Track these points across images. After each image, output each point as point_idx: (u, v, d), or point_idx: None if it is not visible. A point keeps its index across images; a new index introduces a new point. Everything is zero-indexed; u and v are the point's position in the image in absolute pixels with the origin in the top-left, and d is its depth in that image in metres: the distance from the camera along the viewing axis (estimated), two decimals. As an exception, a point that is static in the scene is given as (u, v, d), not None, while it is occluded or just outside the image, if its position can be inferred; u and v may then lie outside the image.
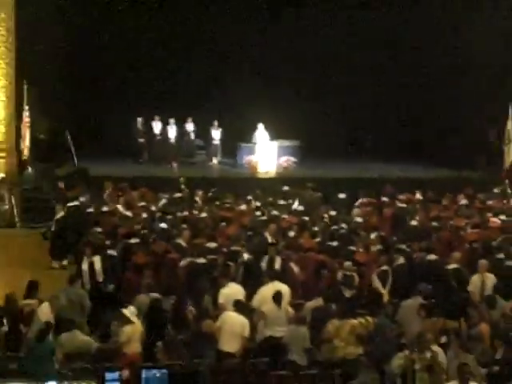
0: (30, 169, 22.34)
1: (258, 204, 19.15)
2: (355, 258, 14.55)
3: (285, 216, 17.98)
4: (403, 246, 15.46)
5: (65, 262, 17.33)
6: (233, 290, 12.60)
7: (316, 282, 13.92)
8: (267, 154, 24.64)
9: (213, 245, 14.81)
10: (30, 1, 21.87)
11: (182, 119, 25.67)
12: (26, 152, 22.21)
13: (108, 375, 9.41)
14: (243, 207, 18.74)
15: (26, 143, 22.18)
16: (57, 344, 10.99)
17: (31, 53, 21.88)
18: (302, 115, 25.21)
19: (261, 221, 17.33)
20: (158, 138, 25.85)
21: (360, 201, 20.01)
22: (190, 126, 25.83)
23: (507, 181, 24.49)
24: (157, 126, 25.84)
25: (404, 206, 19.68)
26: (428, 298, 12.57)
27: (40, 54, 22.32)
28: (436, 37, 25.97)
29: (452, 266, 14.50)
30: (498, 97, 24.38)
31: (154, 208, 18.27)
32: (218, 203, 19.17)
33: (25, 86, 21.97)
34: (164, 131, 25.78)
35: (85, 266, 14.07)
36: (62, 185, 19.50)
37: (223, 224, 16.71)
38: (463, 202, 20.50)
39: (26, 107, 22.11)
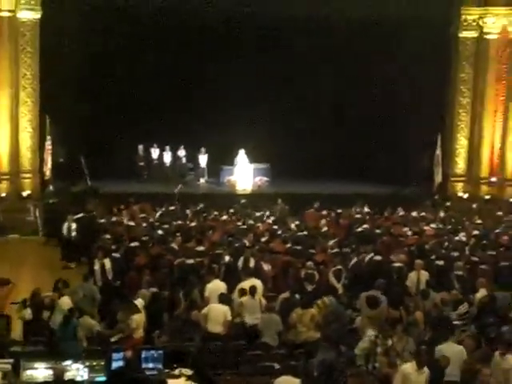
0: (51, 187, 22.20)
1: (238, 215, 19.18)
2: (315, 259, 14.61)
3: (259, 225, 18.03)
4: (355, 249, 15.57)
5: (73, 265, 17.23)
6: (216, 286, 12.59)
7: (284, 278, 13.94)
8: (244, 175, 24.64)
9: (200, 248, 14.80)
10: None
11: (175, 147, 25.75)
12: (47, 173, 22.08)
13: (114, 355, 9.34)
14: (225, 218, 18.76)
15: (48, 166, 22.04)
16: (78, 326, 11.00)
17: (50, 89, 21.73)
18: (272, 143, 25.17)
19: (239, 229, 17.34)
20: (156, 162, 25.88)
21: (322, 212, 20.11)
22: (181, 152, 25.86)
23: (437, 196, 24.74)
24: (155, 152, 25.86)
25: (357, 216, 19.82)
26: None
27: (57, 91, 22.14)
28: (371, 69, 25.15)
29: (397, 264, 14.60)
30: (430, 126, 24.55)
31: (151, 219, 18.23)
32: (205, 215, 19.16)
33: (47, 120, 21.88)
34: (160, 156, 25.83)
35: (97, 267, 13.99)
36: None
37: (209, 232, 16.73)
38: (401, 213, 20.69)
39: (48, 137, 21.99)
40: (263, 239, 16.27)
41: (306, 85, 25.72)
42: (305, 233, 17.12)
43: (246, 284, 12.49)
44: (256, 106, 25.54)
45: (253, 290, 12.18)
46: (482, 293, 12.76)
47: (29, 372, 8.98)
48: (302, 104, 26.17)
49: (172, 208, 19.99)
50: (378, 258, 14.82)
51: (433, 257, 15.17)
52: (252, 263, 14.11)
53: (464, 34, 25.04)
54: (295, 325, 11.62)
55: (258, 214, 19.71)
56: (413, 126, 24.84)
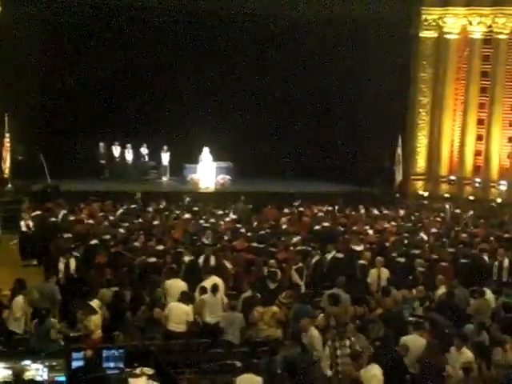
0: (10, 185, 21.87)
1: (200, 213, 19.09)
2: (277, 257, 14.62)
3: (221, 223, 17.98)
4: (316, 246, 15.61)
5: (34, 262, 16.97)
6: (177, 284, 12.51)
7: (246, 276, 13.92)
8: (207, 173, 24.58)
9: (160, 247, 14.70)
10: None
11: (137, 145, 25.54)
12: (6, 171, 21.76)
13: (74, 355, 9.24)
14: (187, 216, 18.65)
15: (6, 164, 21.73)
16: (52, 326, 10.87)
17: (10, 86, 21.39)
18: (234, 142, 25.17)
19: (201, 227, 17.26)
20: (117, 159, 25.66)
21: (284, 210, 20.15)
22: (144, 150, 25.72)
23: (397, 194, 25.01)
24: (116, 150, 25.63)
25: (319, 214, 19.89)
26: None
27: (16, 88, 21.82)
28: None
29: (361, 261, 14.70)
30: (391, 127, 24.79)
31: (112, 217, 18.03)
32: (167, 213, 19.03)
33: (6, 117, 21.54)
34: (122, 154, 25.62)
35: (61, 266, 13.79)
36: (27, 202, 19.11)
37: (172, 230, 16.62)
38: (362, 211, 20.83)
39: (7, 134, 21.66)
40: (225, 237, 16.22)
41: (270, 84, 25.82)
42: (267, 231, 17.11)
43: (208, 282, 12.45)
44: (219, 105, 25.56)
45: (214, 288, 12.15)
46: (441, 290, 12.93)
47: (-14, 372, 8.84)
48: (265, 103, 26.25)
49: (133, 206, 19.82)
50: (340, 255, 14.89)
51: (393, 254, 15.29)
52: (213, 261, 14.07)
53: (424, 34, 25.37)
54: (256, 322, 11.62)
55: (220, 212, 19.65)
56: (374, 125, 25.07)
